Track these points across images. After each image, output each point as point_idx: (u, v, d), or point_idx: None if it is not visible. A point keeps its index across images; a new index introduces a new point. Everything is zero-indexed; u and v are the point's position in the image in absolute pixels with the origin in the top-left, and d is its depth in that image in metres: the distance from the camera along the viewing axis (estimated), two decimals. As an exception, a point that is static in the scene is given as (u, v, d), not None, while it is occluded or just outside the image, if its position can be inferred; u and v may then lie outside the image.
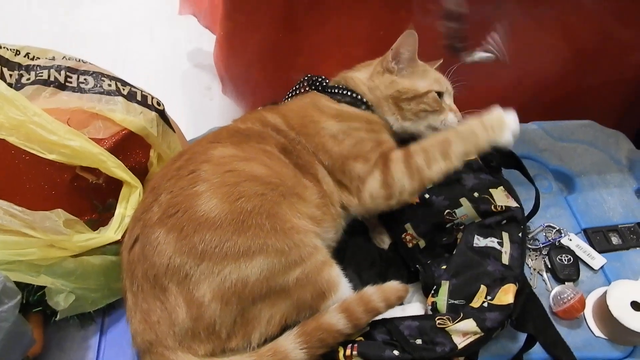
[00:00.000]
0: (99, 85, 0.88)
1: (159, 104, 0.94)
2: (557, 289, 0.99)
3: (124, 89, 0.90)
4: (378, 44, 1.32)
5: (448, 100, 1.03)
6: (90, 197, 0.84)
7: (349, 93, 1.00)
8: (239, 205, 0.77)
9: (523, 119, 1.33)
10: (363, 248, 1.04)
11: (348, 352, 0.79)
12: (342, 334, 0.79)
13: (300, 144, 0.93)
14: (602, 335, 0.96)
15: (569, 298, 0.96)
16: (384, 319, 0.84)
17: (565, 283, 1.02)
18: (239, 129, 0.93)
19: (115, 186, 0.86)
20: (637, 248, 1.09)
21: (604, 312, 0.95)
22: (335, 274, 0.83)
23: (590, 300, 0.99)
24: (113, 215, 0.85)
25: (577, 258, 1.06)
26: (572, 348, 0.91)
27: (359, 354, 0.79)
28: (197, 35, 2.17)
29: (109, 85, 0.89)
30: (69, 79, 0.88)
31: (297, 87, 1.04)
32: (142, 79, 1.10)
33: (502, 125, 0.89)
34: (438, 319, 0.82)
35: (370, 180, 0.91)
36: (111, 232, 0.79)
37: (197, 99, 2.26)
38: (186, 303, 0.73)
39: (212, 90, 2.33)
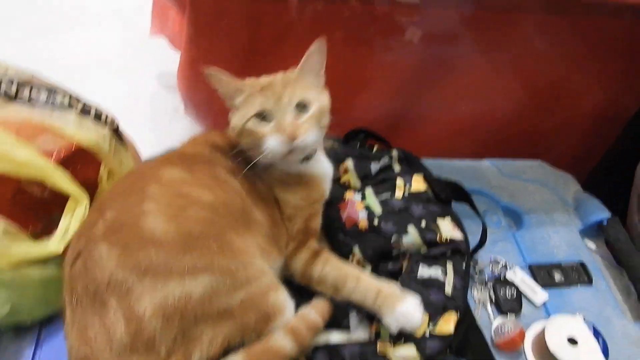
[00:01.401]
0: (51, 100, 0.89)
1: (113, 121, 0.95)
2: (499, 321, 1.02)
3: (77, 105, 0.91)
4: (338, 76, 1.37)
5: (279, 115, 0.88)
6: (34, 209, 0.84)
7: None
8: (187, 227, 0.78)
9: (478, 155, 1.39)
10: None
11: (291, 377, 0.80)
12: (288, 356, 0.79)
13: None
14: (540, 369, 0.99)
15: (510, 331, 0.99)
16: (326, 345, 0.85)
17: (507, 316, 1.05)
18: (188, 152, 0.94)
19: (60, 199, 0.85)
20: (579, 285, 1.12)
21: (541, 347, 0.97)
22: (282, 297, 0.83)
23: (530, 334, 1.02)
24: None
25: (520, 292, 1.09)
26: (510, 380, 0.94)
27: (300, 379, 0.80)
28: (168, 56, 2.20)
29: (62, 100, 0.89)
30: (20, 92, 0.89)
31: None
32: (110, 99, 1.11)
33: (394, 307, 0.84)
34: (380, 344, 0.84)
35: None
36: (53, 245, 0.79)
37: (165, 120, 2.28)
38: (125, 318, 0.73)
39: (180, 111, 2.35)
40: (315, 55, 0.94)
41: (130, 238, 0.76)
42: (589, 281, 1.13)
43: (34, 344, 0.82)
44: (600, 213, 1.25)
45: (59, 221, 0.85)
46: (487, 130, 1.50)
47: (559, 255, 1.18)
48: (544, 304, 1.08)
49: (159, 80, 2.49)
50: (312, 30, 1.22)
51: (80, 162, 0.87)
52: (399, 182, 1.06)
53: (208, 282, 0.76)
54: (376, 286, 0.87)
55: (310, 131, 0.88)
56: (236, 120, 0.91)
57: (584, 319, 1.00)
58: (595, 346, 0.95)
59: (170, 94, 2.43)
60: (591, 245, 1.24)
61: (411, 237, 0.98)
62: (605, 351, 0.97)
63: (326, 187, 1.01)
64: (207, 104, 1.34)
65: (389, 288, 0.87)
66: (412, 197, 1.04)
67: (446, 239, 0.98)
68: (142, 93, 2.37)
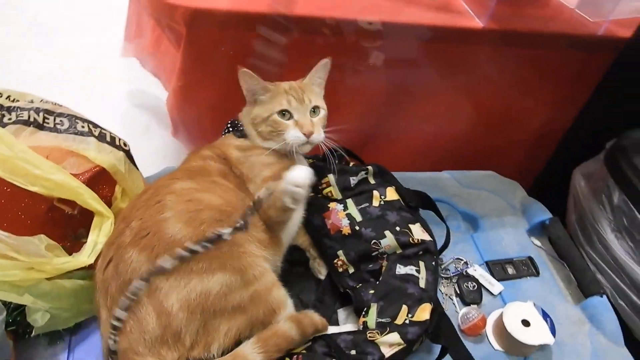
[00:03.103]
0: (73, 127, 1.00)
1: (125, 144, 1.06)
2: (464, 310, 1.18)
3: (95, 130, 1.02)
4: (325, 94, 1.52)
5: (297, 115, 1.10)
6: (64, 226, 0.94)
7: (240, 127, 1.17)
8: (202, 230, 0.91)
9: (438, 168, 1.57)
10: (303, 277, 1.19)
11: (294, 361, 0.93)
12: (293, 340, 0.93)
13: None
14: (500, 349, 1.15)
15: (474, 318, 1.15)
16: (323, 335, 0.99)
17: (471, 305, 1.21)
18: (190, 166, 1.09)
19: (86, 217, 0.96)
20: (528, 277, 1.31)
21: (501, 329, 1.14)
22: (283, 293, 0.98)
23: (490, 320, 1.19)
24: (83, 243, 0.95)
25: (480, 285, 1.26)
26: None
27: (303, 363, 0.93)
28: (138, 76, 2.28)
29: (82, 127, 1.01)
30: (46, 120, 0.99)
31: (225, 129, 1.21)
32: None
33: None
34: (369, 333, 0.98)
35: None
36: (84, 257, 0.89)
37: (136, 138, 2.35)
38: (156, 312, 0.85)
39: (151, 129, 2.43)
40: (321, 70, 1.17)
41: (155, 242, 0.88)
42: (537, 273, 1.32)
43: (66, 349, 0.92)
44: (543, 214, 1.45)
45: (83, 237, 0.96)
46: (446, 146, 1.69)
47: (510, 252, 1.36)
48: (500, 294, 1.26)
49: (129, 98, 2.55)
50: (292, 58, 1.38)
51: (101, 182, 0.97)
52: (375, 193, 1.22)
53: (223, 280, 0.89)
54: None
55: (320, 130, 1.12)
56: (261, 111, 1.11)
57: (534, 305, 1.18)
58: (544, 326, 1.13)
59: (141, 113, 2.51)
60: (537, 242, 1.42)
61: (388, 240, 1.14)
62: (552, 330, 1.14)
63: None
64: (197, 124, 1.46)
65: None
66: (387, 206, 1.20)
67: (417, 241, 1.14)
68: (113, 111, 2.43)
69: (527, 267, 1.33)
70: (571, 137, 1.74)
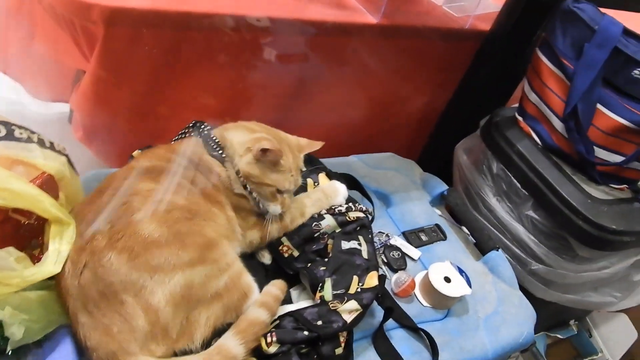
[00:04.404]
0: (10, 133, 0.93)
1: (64, 149, 1.01)
2: (396, 276, 1.32)
3: (33, 136, 0.96)
4: (231, 95, 1.56)
5: (286, 195, 1.16)
6: (20, 237, 0.88)
7: (219, 151, 1.12)
8: (176, 228, 0.93)
9: (344, 153, 1.70)
10: (250, 264, 1.23)
11: (269, 339, 0.99)
12: (266, 324, 0.99)
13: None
14: (427, 305, 1.31)
15: (405, 281, 1.30)
16: (290, 312, 1.06)
17: (399, 272, 1.36)
18: (147, 166, 1.06)
19: (39, 225, 0.91)
20: (439, 241, 1.50)
21: (427, 287, 1.30)
22: (250, 278, 1.04)
23: (417, 281, 1.34)
24: (37, 254, 0.90)
25: (403, 253, 1.42)
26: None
27: (277, 340, 0.99)
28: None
29: (21, 133, 0.94)
30: (-19, 129, 0.91)
31: (184, 130, 1.20)
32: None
33: (337, 192, 1.28)
34: (330, 304, 1.07)
35: (250, 234, 1.15)
36: (50, 266, 0.85)
37: None
38: (144, 311, 0.85)
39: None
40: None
41: (133, 243, 0.88)
42: (444, 237, 1.51)
43: (37, 363, 0.86)
44: (441, 186, 1.65)
45: (36, 247, 0.90)
46: (346, 133, 1.83)
47: (420, 222, 1.53)
48: (419, 259, 1.43)
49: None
50: (202, 55, 1.40)
51: (47, 190, 0.92)
52: (309, 180, 1.31)
53: (203, 271, 0.92)
54: (319, 191, 1.28)
55: None
56: (264, 177, 1.11)
57: (451, 263, 1.36)
58: (462, 280, 1.32)
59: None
60: (437, 211, 1.63)
61: (327, 220, 1.23)
62: (469, 283, 1.33)
63: None
64: (109, 127, 1.40)
65: (322, 187, 1.28)
66: (321, 189, 1.29)
67: (353, 218, 1.25)
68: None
69: (436, 233, 1.52)
70: (448, 118, 1.99)
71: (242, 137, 1.14)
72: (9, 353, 0.83)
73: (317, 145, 1.25)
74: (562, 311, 1.96)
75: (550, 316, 1.94)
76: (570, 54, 1.50)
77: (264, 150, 1.08)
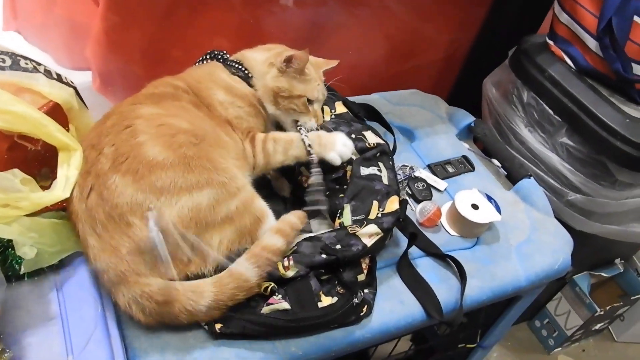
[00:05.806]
0: (16, 63, 0.93)
1: (72, 82, 1.01)
2: (420, 205, 1.28)
3: (39, 67, 0.96)
4: (245, 34, 1.53)
5: (316, 107, 1.18)
6: (28, 165, 0.88)
7: (242, 69, 1.15)
8: (182, 152, 0.91)
9: (367, 91, 1.65)
10: (268, 198, 1.21)
11: (286, 263, 0.97)
12: (281, 250, 0.96)
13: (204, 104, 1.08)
14: (455, 234, 1.27)
15: (430, 210, 1.25)
16: (308, 237, 1.03)
17: (424, 202, 1.32)
18: (154, 92, 1.05)
19: (49, 155, 0.91)
20: (465, 173, 1.44)
21: (454, 216, 1.26)
22: (264, 204, 1.01)
23: (443, 211, 1.30)
24: (48, 184, 0.91)
25: (428, 184, 1.37)
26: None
27: (295, 263, 0.97)
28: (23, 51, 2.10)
29: (26, 63, 0.94)
30: (-13, 59, 0.91)
31: (200, 60, 1.18)
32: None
33: (333, 146, 1.12)
34: (349, 228, 1.04)
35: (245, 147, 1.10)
36: (59, 191, 0.85)
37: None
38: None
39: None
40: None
41: (137, 165, 0.86)
42: (472, 168, 1.45)
43: (54, 288, 0.87)
44: (468, 118, 1.58)
45: (47, 176, 0.91)
46: (370, 72, 1.78)
47: (446, 155, 1.48)
48: (446, 190, 1.38)
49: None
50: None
51: (56, 117, 0.92)
52: (326, 108, 1.27)
53: (210, 194, 0.90)
54: (315, 134, 1.13)
55: None
56: (293, 88, 1.12)
57: (479, 191, 1.30)
58: (491, 207, 1.26)
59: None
60: (465, 145, 1.56)
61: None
62: (498, 210, 1.27)
63: None
64: (123, 72, 1.40)
65: (322, 132, 1.14)
66: (338, 119, 1.25)
67: (373, 144, 1.21)
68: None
69: (463, 165, 1.46)
70: (476, 53, 1.91)
71: (263, 56, 1.16)
72: (24, 278, 0.83)
73: (332, 62, 1.24)
74: (606, 248, 1.88)
75: (593, 253, 1.85)
76: (602, -36, 1.39)
77: (288, 59, 1.09)
